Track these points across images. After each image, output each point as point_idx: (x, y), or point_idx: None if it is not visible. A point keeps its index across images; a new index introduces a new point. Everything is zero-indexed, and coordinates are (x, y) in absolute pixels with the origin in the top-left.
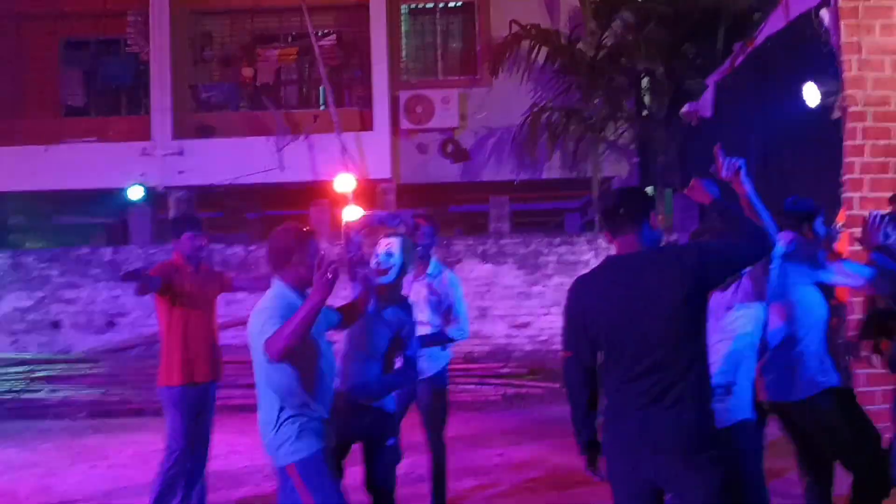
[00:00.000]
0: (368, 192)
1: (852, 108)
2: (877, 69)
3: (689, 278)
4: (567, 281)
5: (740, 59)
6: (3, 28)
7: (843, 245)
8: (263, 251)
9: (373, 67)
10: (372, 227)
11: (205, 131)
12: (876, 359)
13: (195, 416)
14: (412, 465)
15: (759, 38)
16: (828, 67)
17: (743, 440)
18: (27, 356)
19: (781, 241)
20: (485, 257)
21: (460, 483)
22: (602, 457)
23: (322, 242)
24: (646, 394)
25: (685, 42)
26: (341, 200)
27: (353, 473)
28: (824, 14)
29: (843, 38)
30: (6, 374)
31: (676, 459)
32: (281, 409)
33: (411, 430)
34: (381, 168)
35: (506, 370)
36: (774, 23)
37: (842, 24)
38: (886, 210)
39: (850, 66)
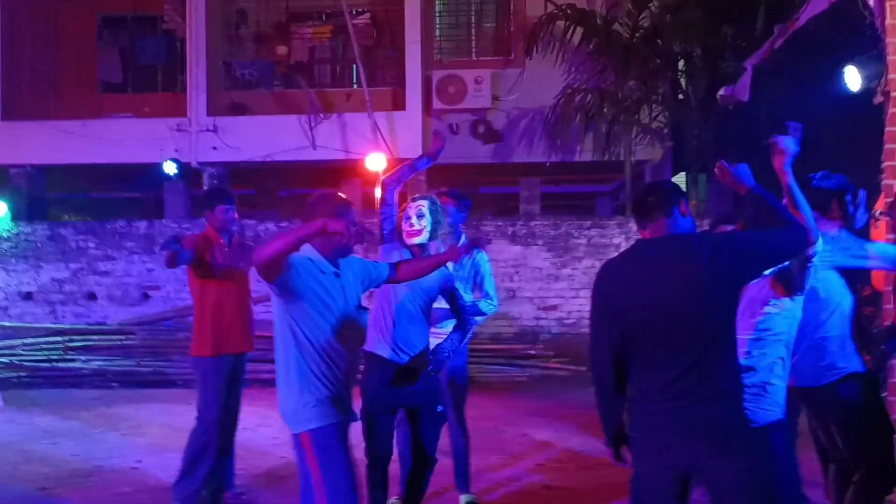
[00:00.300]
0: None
1: (895, 93)
2: None
3: (722, 268)
4: (597, 264)
5: (780, 41)
6: (42, 6)
7: (880, 233)
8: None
9: (406, 47)
10: (403, 178)
11: (238, 109)
12: None
13: (226, 387)
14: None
15: (801, 20)
16: (871, 50)
17: (777, 441)
18: (64, 326)
19: (830, 230)
20: (514, 239)
21: (485, 461)
22: (628, 446)
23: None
24: (674, 384)
25: (723, 23)
26: (372, 179)
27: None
28: None
29: (888, 19)
30: (44, 343)
31: (706, 450)
32: (300, 374)
33: None
34: (412, 148)
35: (533, 352)
36: (817, 4)
37: (887, 5)
38: None
39: (894, 49)
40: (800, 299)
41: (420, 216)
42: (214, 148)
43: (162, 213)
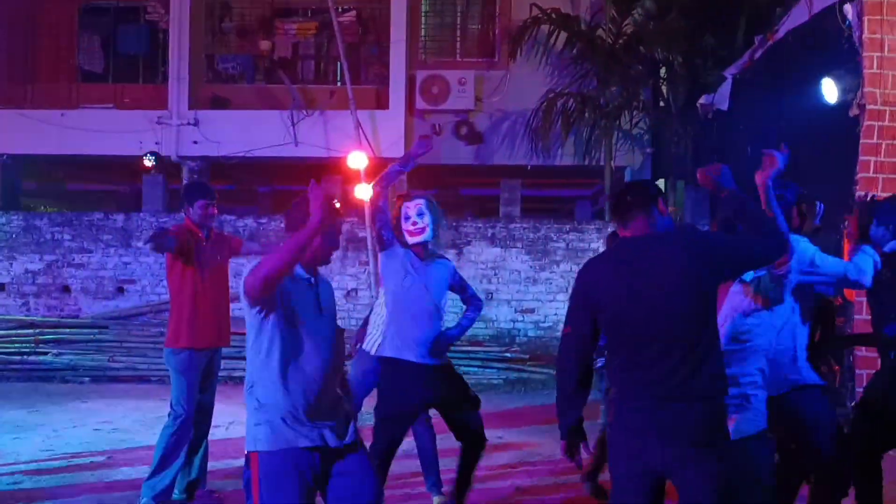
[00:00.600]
0: (381, 171)
1: (870, 107)
2: None
3: (700, 267)
4: (575, 268)
5: (760, 52)
6: None
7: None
8: (274, 224)
9: (391, 46)
10: (392, 180)
11: (220, 102)
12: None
13: (200, 382)
14: (409, 443)
15: (781, 32)
16: (848, 64)
17: (758, 451)
18: (36, 319)
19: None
20: (493, 241)
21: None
22: (583, 443)
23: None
24: (655, 383)
25: (705, 33)
26: (353, 178)
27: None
28: (848, 9)
29: (866, 33)
30: (15, 335)
31: (685, 451)
32: (261, 387)
33: None
34: (394, 147)
35: (509, 354)
36: (797, 16)
37: (865, 19)
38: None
39: (871, 64)
40: (779, 310)
41: (420, 214)
42: (195, 142)
43: (139, 206)
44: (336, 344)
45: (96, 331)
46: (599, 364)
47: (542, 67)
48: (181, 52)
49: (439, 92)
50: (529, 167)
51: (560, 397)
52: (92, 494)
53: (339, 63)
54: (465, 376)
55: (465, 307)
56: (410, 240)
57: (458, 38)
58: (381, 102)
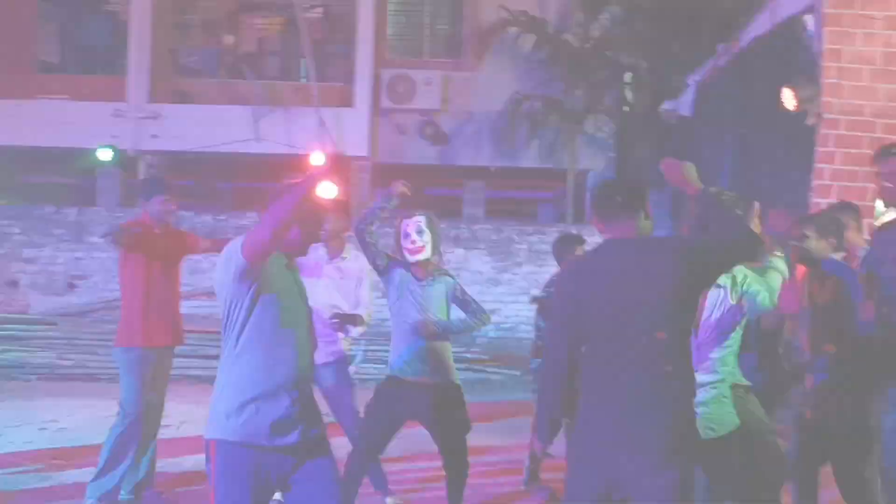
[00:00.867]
0: (344, 169)
1: (827, 116)
2: (855, 78)
3: (686, 274)
4: (537, 270)
5: (723, 59)
6: None
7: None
8: (234, 222)
9: (357, 44)
10: (374, 217)
11: (181, 96)
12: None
13: (151, 380)
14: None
15: (743, 40)
16: (808, 73)
17: (737, 446)
18: None
19: None
20: (457, 241)
21: (414, 464)
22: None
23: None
24: (633, 394)
25: (671, 40)
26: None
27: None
28: (809, 19)
29: (826, 44)
30: None
31: (649, 460)
32: (232, 374)
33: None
34: (358, 146)
35: (469, 355)
36: (759, 25)
37: (825, 30)
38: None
39: (830, 73)
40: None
41: (420, 232)
42: (154, 136)
43: (94, 200)
44: (310, 330)
45: (45, 327)
46: None
47: (509, 70)
48: (142, 45)
49: (405, 91)
50: (493, 169)
51: (544, 401)
52: (35, 496)
53: (304, 60)
54: None
55: None
56: (410, 258)
57: (426, 38)
58: (347, 100)
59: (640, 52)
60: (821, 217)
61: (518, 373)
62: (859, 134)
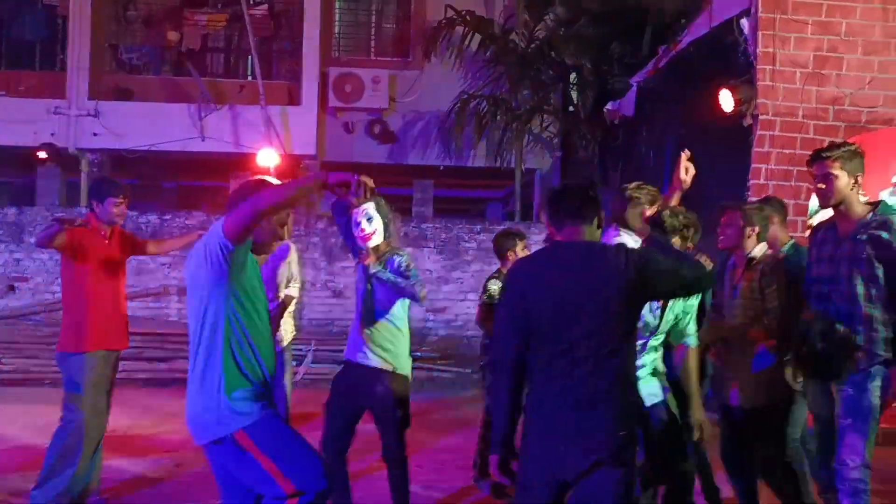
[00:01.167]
0: (292, 168)
1: (763, 117)
2: (788, 81)
3: (632, 282)
4: (486, 269)
5: (664, 61)
6: None
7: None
8: (179, 221)
9: (304, 41)
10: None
11: (123, 94)
12: None
13: (96, 385)
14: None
15: (683, 42)
16: (744, 75)
17: (657, 420)
18: None
19: None
20: (406, 240)
21: (364, 464)
22: (516, 458)
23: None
24: (574, 390)
25: (613, 41)
26: (263, 174)
27: None
28: (745, 23)
29: (761, 48)
30: None
31: (596, 458)
32: (226, 368)
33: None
34: (306, 144)
35: (419, 353)
36: (698, 28)
37: (760, 34)
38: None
39: (764, 76)
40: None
41: (369, 219)
42: (95, 133)
43: (33, 199)
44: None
45: None
46: None
47: (456, 69)
48: (82, 40)
49: (353, 90)
50: (442, 168)
51: (496, 408)
52: None
53: (250, 57)
54: None
55: None
56: (362, 245)
57: (373, 37)
58: (294, 98)
59: (584, 53)
60: (746, 208)
61: (468, 370)
62: (793, 135)
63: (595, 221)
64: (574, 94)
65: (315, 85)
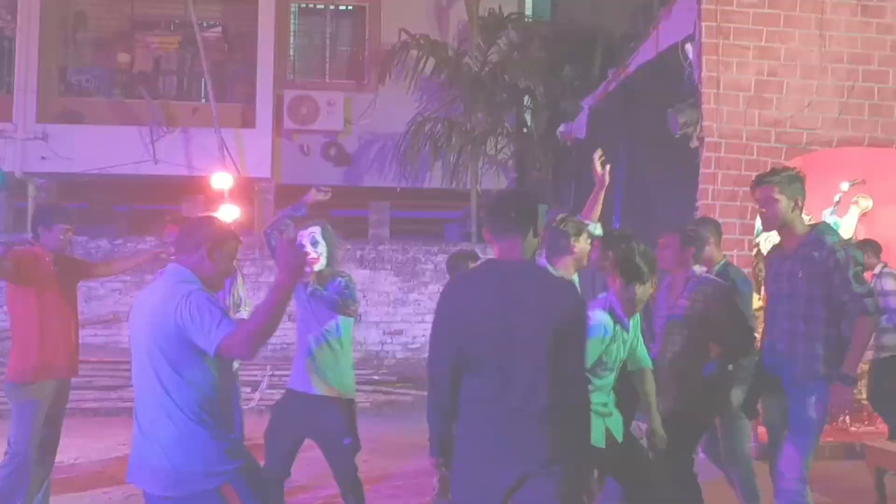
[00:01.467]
0: (246, 191)
1: (708, 139)
2: (731, 104)
3: (561, 323)
4: None
5: (613, 84)
6: None
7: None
8: (131, 246)
9: (258, 64)
10: (281, 225)
11: (72, 117)
12: None
13: (45, 416)
14: None
15: (631, 66)
16: (690, 98)
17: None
18: None
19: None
20: (363, 262)
21: (323, 490)
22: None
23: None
24: (506, 405)
25: (565, 64)
26: (217, 198)
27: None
28: (689, 48)
29: (704, 72)
30: None
31: (527, 468)
32: (210, 416)
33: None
34: (260, 167)
35: (377, 377)
36: (645, 53)
37: (703, 59)
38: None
39: (709, 100)
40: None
41: (314, 243)
42: (43, 157)
43: None
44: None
45: None
46: None
47: (411, 92)
48: (29, 62)
49: (308, 112)
50: (398, 189)
51: (433, 416)
52: None
53: (203, 79)
54: None
55: None
56: (306, 269)
57: (328, 60)
58: (248, 121)
59: (536, 76)
60: (682, 230)
61: (426, 392)
62: (738, 156)
63: (532, 231)
64: (527, 117)
65: (269, 107)
